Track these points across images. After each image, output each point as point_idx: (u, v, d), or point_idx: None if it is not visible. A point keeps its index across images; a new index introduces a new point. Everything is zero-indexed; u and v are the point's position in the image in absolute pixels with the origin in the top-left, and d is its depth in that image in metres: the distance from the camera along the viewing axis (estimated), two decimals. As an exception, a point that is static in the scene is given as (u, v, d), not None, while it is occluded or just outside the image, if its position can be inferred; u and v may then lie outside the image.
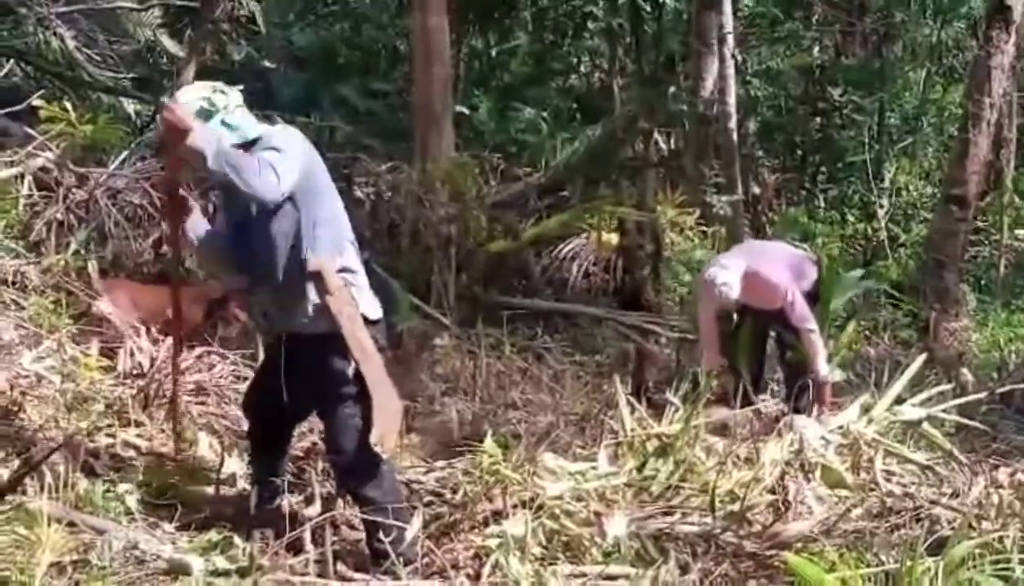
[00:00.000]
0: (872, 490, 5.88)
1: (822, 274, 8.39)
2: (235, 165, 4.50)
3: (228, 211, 5.00)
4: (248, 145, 4.74)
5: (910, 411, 6.68)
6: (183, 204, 5.13)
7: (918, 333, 12.02)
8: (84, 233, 8.40)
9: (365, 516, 4.92)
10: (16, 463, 5.22)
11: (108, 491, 5.09)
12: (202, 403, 6.54)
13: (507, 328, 9.37)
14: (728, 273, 7.80)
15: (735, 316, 8.36)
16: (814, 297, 8.10)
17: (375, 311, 4.95)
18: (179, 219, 5.11)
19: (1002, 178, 16.70)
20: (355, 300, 4.81)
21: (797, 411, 7.33)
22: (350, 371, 4.77)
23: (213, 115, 4.71)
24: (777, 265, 8.01)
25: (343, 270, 4.82)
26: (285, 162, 4.56)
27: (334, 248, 4.82)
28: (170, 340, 6.08)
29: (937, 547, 4.82)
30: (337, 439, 4.95)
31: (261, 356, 6.94)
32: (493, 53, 18.17)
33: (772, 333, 8.29)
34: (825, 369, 7.76)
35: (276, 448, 5.35)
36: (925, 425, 6.73)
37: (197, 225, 5.10)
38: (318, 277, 4.72)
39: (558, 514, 5.16)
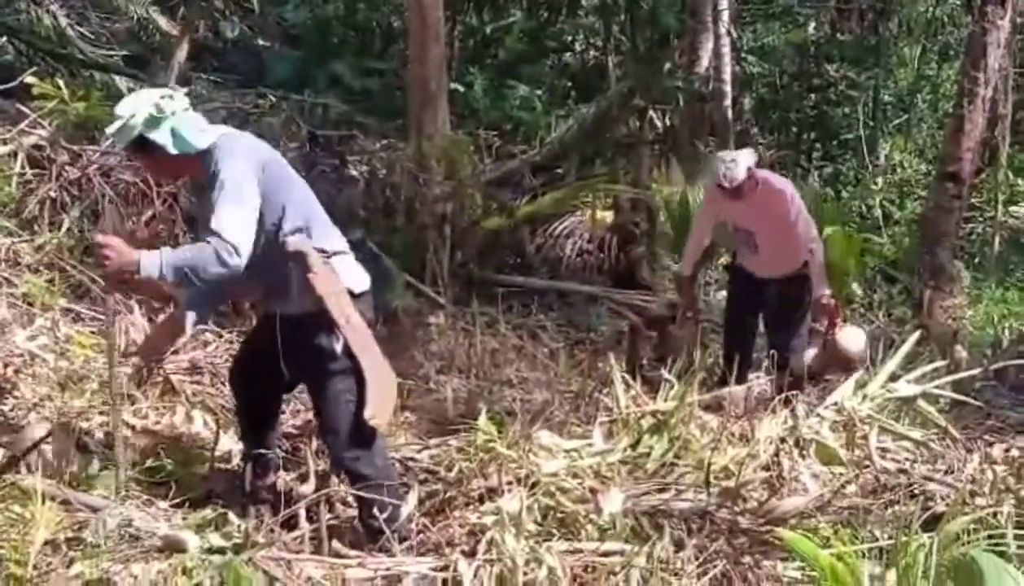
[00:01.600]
0: (867, 466, 5.88)
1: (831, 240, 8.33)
2: (192, 268, 4.46)
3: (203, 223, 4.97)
4: (197, 157, 4.70)
5: (905, 388, 6.68)
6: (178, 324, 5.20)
7: (912, 310, 12.03)
8: (77, 210, 8.38)
9: (358, 493, 4.92)
10: (9, 441, 5.21)
11: (103, 469, 5.07)
12: (197, 382, 6.53)
13: (502, 306, 9.37)
14: (738, 154, 7.69)
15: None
16: None
17: (360, 284, 4.95)
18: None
19: (997, 155, 16.71)
20: (337, 275, 4.81)
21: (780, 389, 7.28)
22: (338, 347, 4.78)
23: (162, 122, 4.65)
24: (787, 184, 7.91)
25: (321, 250, 4.81)
26: (232, 214, 4.49)
27: (308, 229, 4.82)
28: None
29: (932, 523, 4.83)
30: (328, 416, 4.95)
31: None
32: (488, 30, 18.11)
33: (761, 314, 8.20)
34: (826, 289, 7.66)
35: (265, 421, 5.36)
36: (920, 402, 6.74)
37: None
38: (299, 256, 4.72)
39: (553, 491, 5.16)
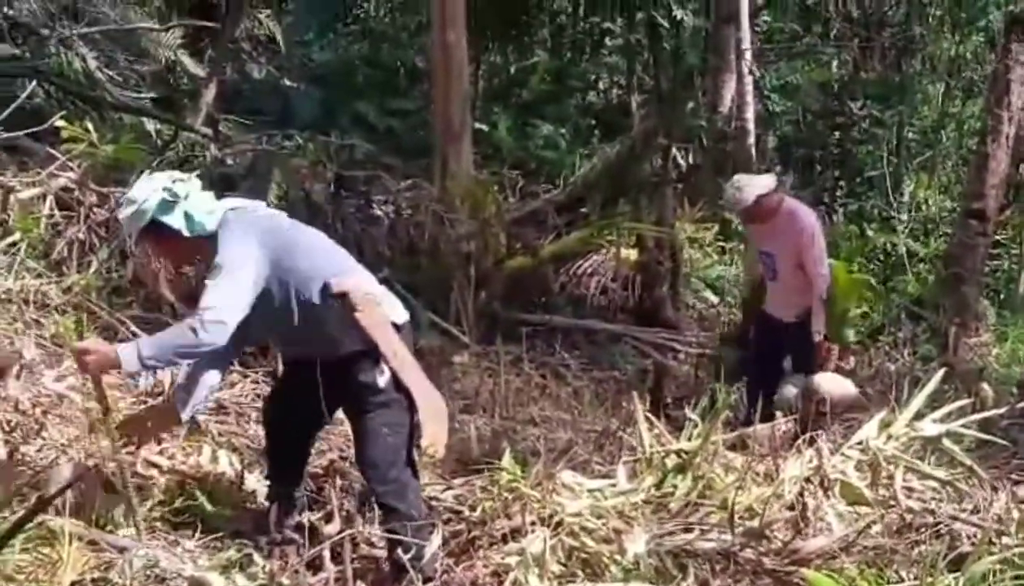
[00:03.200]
0: (892, 506, 5.84)
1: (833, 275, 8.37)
2: (169, 352, 4.58)
3: None
4: (206, 239, 4.78)
5: (930, 426, 6.64)
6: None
7: (937, 348, 11.97)
8: (105, 252, 8.45)
9: (387, 528, 4.93)
10: (38, 483, 5.24)
11: (129, 509, 5.10)
12: (222, 421, 6.56)
13: (526, 345, 9.40)
14: (751, 179, 7.80)
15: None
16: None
17: (401, 316, 5.00)
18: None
19: (1021, 192, 16.65)
20: (380, 307, 4.85)
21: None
22: (382, 381, 4.81)
23: (175, 206, 4.73)
24: (807, 211, 8.00)
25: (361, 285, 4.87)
26: (224, 292, 4.59)
27: (343, 275, 4.87)
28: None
29: (958, 563, 4.81)
30: (368, 450, 4.95)
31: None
32: (511, 70, 18.26)
33: (788, 354, 8.24)
34: (821, 327, 7.73)
35: (295, 463, 5.38)
36: (945, 441, 6.69)
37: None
38: (343, 297, 4.76)
39: (577, 531, 5.16)
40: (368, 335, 4.75)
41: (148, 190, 4.77)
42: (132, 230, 4.90)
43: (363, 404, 4.88)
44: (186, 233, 4.75)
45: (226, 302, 4.57)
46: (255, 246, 4.72)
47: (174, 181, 4.79)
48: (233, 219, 4.84)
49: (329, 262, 4.92)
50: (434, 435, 4.81)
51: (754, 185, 7.75)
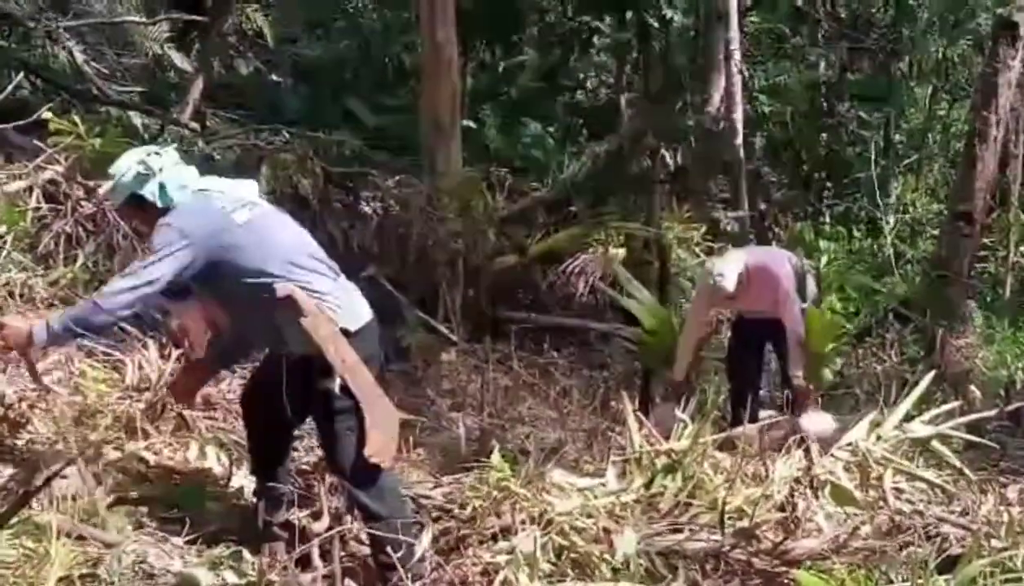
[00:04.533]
0: (881, 508, 5.85)
1: (820, 287, 8.43)
2: (71, 324, 4.69)
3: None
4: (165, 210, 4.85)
5: (919, 428, 6.66)
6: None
7: (924, 350, 12.00)
8: (92, 246, 8.41)
9: (371, 531, 4.91)
10: (24, 477, 5.21)
11: (117, 504, 5.07)
12: (210, 417, 6.53)
13: (514, 343, 9.39)
14: (725, 265, 7.84)
15: (728, 331, 8.44)
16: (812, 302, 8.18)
17: (356, 321, 4.95)
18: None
19: (1008, 195, 16.69)
20: (329, 317, 4.82)
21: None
22: (337, 387, 4.78)
23: (150, 178, 4.82)
24: (778, 265, 8.03)
25: (311, 293, 4.83)
26: (131, 274, 4.71)
27: (299, 277, 4.84)
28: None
29: (947, 565, 4.82)
30: (334, 455, 4.97)
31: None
32: (500, 68, 18.20)
33: (770, 347, 8.29)
34: (800, 373, 7.78)
35: (276, 455, 5.35)
36: (934, 443, 6.71)
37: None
38: (290, 302, 4.75)
39: (567, 530, 5.14)
40: (315, 342, 4.74)
41: (126, 165, 4.88)
42: (115, 204, 5.06)
43: (325, 408, 4.88)
44: (159, 204, 4.84)
45: (129, 282, 4.67)
46: (190, 238, 4.73)
47: (149, 154, 4.90)
48: (186, 204, 4.89)
49: (280, 265, 4.85)
50: (379, 444, 4.77)
51: (730, 268, 7.81)
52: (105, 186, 5.04)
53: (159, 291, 4.73)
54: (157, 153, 4.93)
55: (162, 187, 4.84)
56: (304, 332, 4.72)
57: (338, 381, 4.76)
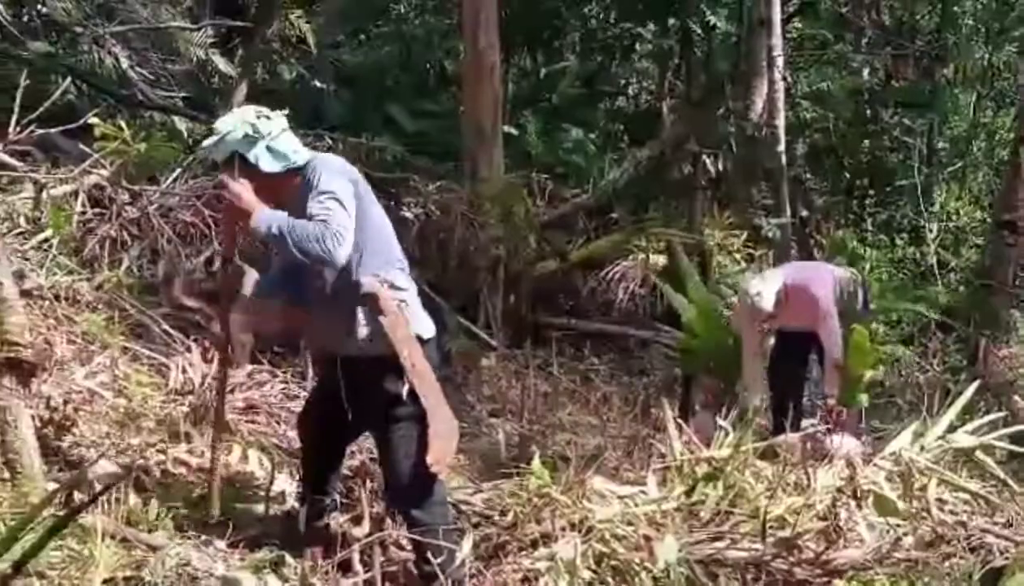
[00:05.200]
0: (924, 518, 5.80)
1: (868, 296, 8.36)
2: (297, 241, 4.52)
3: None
4: (295, 171, 4.79)
5: (962, 439, 6.60)
6: (238, 273, 5.14)
7: (968, 360, 11.91)
8: (136, 250, 8.48)
9: (414, 537, 4.92)
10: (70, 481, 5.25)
11: (166, 508, 5.11)
12: (252, 421, 6.57)
13: (554, 349, 9.39)
14: (763, 284, 7.80)
15: (771, 341, 8.41)
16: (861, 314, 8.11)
17: (428, 330, 4.96)
18: (232, 286, 5.22)
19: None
20: (408, 321, 4.82)
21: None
22: (404, 392, 4.76)
23: (257, 142, 4.77)
24: (817, 282, 7.98)
25: (394, 290, 4.83)
26: (340, 215, 4.57)
27: (384, 270, 4.83)
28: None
29: (991, 577, 4.78)
30: (391, 460, 4.94)
31: (311, 374, 7.03)
32: (541, 74, 18.20)
33: (814, 357, 8.23)
34: (835, 391, 7.73)
35: (328, 468, 5.37)
36: (978, 453, 6.65)
37: (248, 282, 5.14)
38: (372, 299, 4.74)
39: (607, 538, 5.13)
40: (391, 342, 4.73)
41: (232, 123, 4.84)
42: (215, 159, 4.94)
43: (386, 413, 4.86)
44: (268, 168, 4.77)
45: (346, 224, 4.57)
46: (353, 190, 4.71)
47: (259, 116, 4.83)
48: (327, 159, 4.89)
49: (390, 249, 4.88)
50: (440, 453, 4.77)
51: (768, 287, 7.77)
52: (208, 140, 4.89)
53: (347, 253, 4.59)
54: (268, 117, 4.85)
55: (271, 150, 4.78)
56: (380, 331, 4.72)
57: (406, 386, 4.75)
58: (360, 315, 4.76)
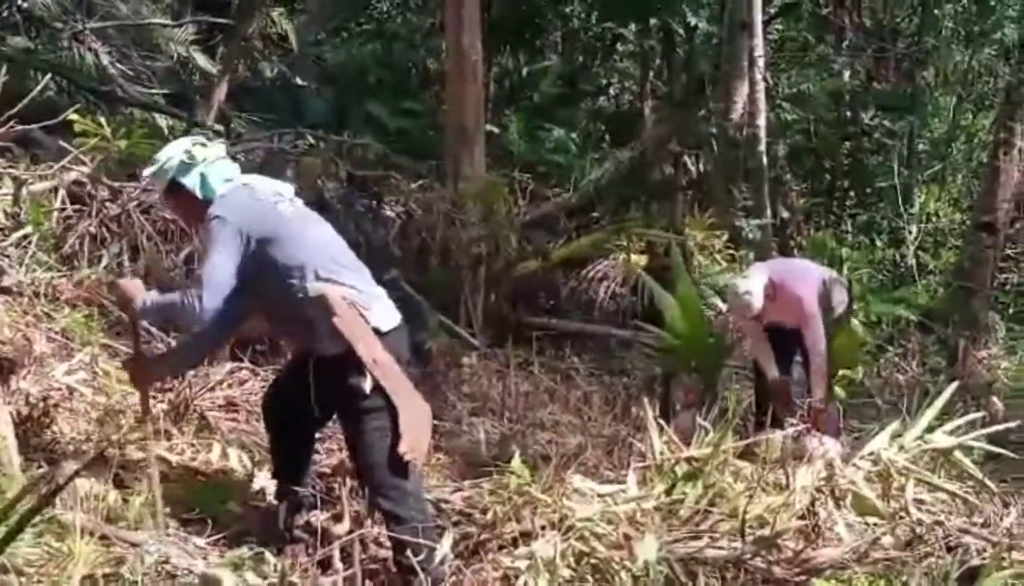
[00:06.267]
0: (902, 518, 5.82)
1: (852, 297, 8.39)
2: (166, 313, 5.06)
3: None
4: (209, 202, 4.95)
5: (941, 439, 6.62)
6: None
7: (947, 361, 11.96)
8: (117, 247, 8.45)
9: (392, 534, 4.92)
10: (47, 475, 5.23)
11: (142, 504, 5.10)
12: (233, 419, 6.56)
13: (535, 348, 9.37)
14: (750, 283, 7.83)
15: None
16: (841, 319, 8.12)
17: (388, 322, 5.01)
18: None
19: (1032, 205, 16.60)
20: (365, 316, 4.86)
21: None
22: (367, 386, 4.80)
23: (192, 168, 4.96)
24: (803, 281, 8.01)
25: (340, 287, 4.88)
26: (211, 272, 4.78)
27: (333, 273, 4.91)
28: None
29: (968, 577, 4.79)
30: (362, 455, 4.99)
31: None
32: (523, 73, 18.21)
33: (798, 358, 8.26)
34: (821, 396, 7.76)
35: (298, 457, 5.42)
36: (956, 453, 6.67)
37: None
38: (321, 302, 4.80)
39: (587, 536, 5.14)
40: (347, 341, 4.78)
41: (171, 151, 5.03)
42: (156, 188, 5.29)
43: (353, 408, 4.91)
44: (198, 195, 4.96)
45: (212, 282, 4.77)
46: (240, 228, 4.83)
47: (195, 144, 5.03)
48: (232, 195, 4.99)
49: (319, 260, 4.93)
50: (413, 442, 4.82)
51: (755, 286, 7.80)
52: (148, 169, 5.12)
53: (234, 288, 4.80)
54: (203, 144, 5.06)
55: (203, 178, 4.95)
56: (336, 330, 4.76)
57: (369, 380, 4.79)
58: (315, 319, 4.83)
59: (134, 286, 4.96)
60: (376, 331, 4.89)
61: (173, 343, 6.10)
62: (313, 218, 5.18)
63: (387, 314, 5.03)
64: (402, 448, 4.77)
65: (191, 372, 6.49)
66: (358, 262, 5.13)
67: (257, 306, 5.11)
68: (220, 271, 4.77)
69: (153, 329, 7.33)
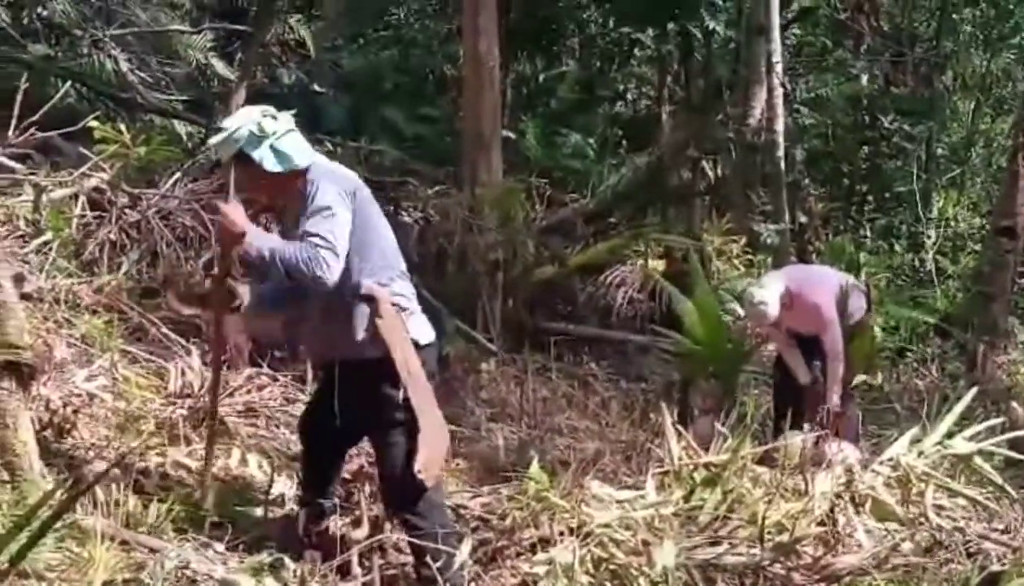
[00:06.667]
0: (922, 524, 5.81)
1: (871, 302, 8.37)
2: (288, 267, 4.64)
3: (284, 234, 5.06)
4: (298, 173, 4.83)
5: (961, 445, 6.60)
6: (231, 294, 5.15)
7: (966, 366, 11.91)
8: (136, 253, 8.49)
9: (412, 540, 4.93)
10: (68, 481, 5.25)
11: (168, 510, 5.11)
12: (252, 424, 6.58)
13: (553, 354, 9.38)
14: (765, 292, 7.82)
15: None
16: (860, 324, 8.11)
17: (425, 336, 4.98)
18: (224, 307, 5.17)
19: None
20: (405, 325, 4.84)
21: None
22: (400, 397, 4.78)
23: (263, 141, 4.81)
24: (820, 288, 7.99)
25: (393, 295, 4.85)
26: (332, 234, 4.64)
27: (384, 275, 4.86)
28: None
29: (988, 583, 4.78)
30: (386, 464, 4.98)
31: (310, 379, 7.04)
32: (540, 79, 18.22)
33: (816, 362, 8.25)
34: (837, 401, 7.74)
35: (328, 472, 5.39)
36: (976, 459, 6.65)
37: (245, 295, 5.15)
38: (370, 300, 4.76)
39: (606, 542, 5.14)
40: (387, 345, 4.75)
41: (239, 121, 4.89)
42: (221, 156, 5.04)
43: (384, 417, 4.88)
44: (271, 168, 4.82)
45: (339, 244, 4.64)
46: (349, 198, 4.76)
47: (264, 116, 4.88)
48: (329, 166, 4.97)
49: (390, 254, 4.92)
50: (428, 460, 4.78)
51: (771, 295, 7.79)
52: (215, 138, 4.99)
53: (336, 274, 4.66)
54: (274, 116, 4.90)
55: (275, 150, 4.82)
56: (377, 333, 4.74)
57: (402, 390, 4.77)
58: (358, 317, 4.78)
59: (239, 214, 4.79)
60: (414, 343, 4.87)
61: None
62: (379, 211, 5.06)
63: (425, 327, 5.01)
64: (417, 465, 4.74)
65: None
66: (406, 271, 5.08)
67: (302, 298, 4.94)
68: (341, 233, 4.66)
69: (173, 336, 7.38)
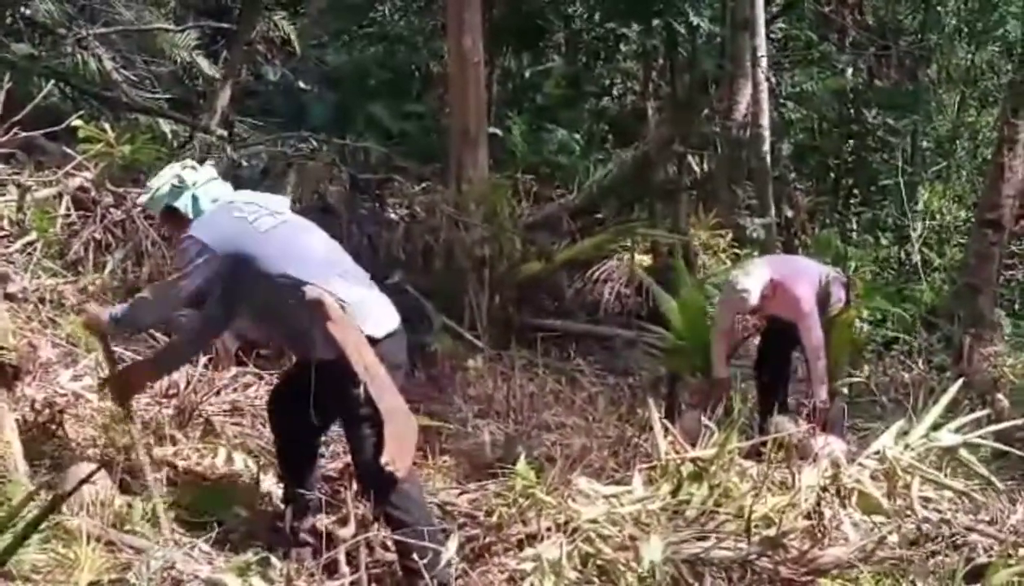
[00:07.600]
0: (909, 516, 5.82)
1: (850, 296, 8.39)
2: (127, 322, 5.38)
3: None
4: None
5: (947, 437, 6.61)
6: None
7: (952, 358, 11.93)
8: (121, 252, 8.47)
9: (396, 537, 4.93)
10: (54, 481, 5.24)
11: (152, 510, 5.10)
12: (238, 423, 6.56)
13: (540, 350, 9.36)
14: (749, 280, 7.83)
15: (759, 330, 8.49)
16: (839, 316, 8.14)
17: (383, 328, 5.02)
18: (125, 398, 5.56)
19: (1037, 202, 16.56)
20: (355, 323, 4.87)
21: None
22: (362, 394, 4.82)
23: (183, 191, 5.14)
24: (802, 280, 8.00)
25: (339, 298, 4.90)
26: (187, 293, 5.04)
27: (323, 281, 4.92)
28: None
29: (975, 575, 4.79)
30: (359, 460, 5.05)
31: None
32: (526, 74, 18.20)
33: (798, 354, 8.29)
34: (824, 396, 7.75)
35: (303, 460, 5.44)
36: (962, 451, 6.66)
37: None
38: (316, 306, 4.82)
39: (593, 538, 5.15)
40: (340, 347, 4.80)
41: (162, 179, 5.22)
42: (153, 213, 5.72)
43: (352, 413, 4.94)
44: (190, 215, 5.13)
45: (162, 296, 5.28)
46: (209, 249, 4.96)
47: (185, 168, 5.22)
48: (208, 216, 5.13)
49: (308, 269, 4.97)
50: (395, 453, 4.80)
51: (754, 281, 7.81)
52: (142, 196, 5.42)
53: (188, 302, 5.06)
54: (194, 167, 5.24)
55: (195, 200, 5.10)
56: (330, 337, 4.77)
57: (362, 387, 4.79)
58: (311, 322, 4.87)
59: (94, 310, 5.52)
60: (369, 339, 4.91)
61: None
62: (303, 227, 5.27)
63: (382, 320, 5.05)
64: (383, 459, 4.77)
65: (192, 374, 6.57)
66: (355, 267, 5.19)
67: (251, 317, 5.32)
68: (177, 292, 5.06)
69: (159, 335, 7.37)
